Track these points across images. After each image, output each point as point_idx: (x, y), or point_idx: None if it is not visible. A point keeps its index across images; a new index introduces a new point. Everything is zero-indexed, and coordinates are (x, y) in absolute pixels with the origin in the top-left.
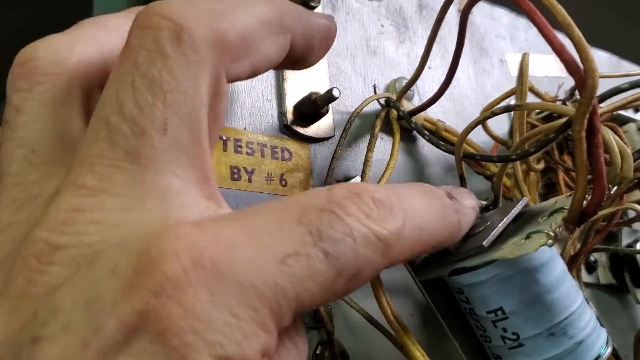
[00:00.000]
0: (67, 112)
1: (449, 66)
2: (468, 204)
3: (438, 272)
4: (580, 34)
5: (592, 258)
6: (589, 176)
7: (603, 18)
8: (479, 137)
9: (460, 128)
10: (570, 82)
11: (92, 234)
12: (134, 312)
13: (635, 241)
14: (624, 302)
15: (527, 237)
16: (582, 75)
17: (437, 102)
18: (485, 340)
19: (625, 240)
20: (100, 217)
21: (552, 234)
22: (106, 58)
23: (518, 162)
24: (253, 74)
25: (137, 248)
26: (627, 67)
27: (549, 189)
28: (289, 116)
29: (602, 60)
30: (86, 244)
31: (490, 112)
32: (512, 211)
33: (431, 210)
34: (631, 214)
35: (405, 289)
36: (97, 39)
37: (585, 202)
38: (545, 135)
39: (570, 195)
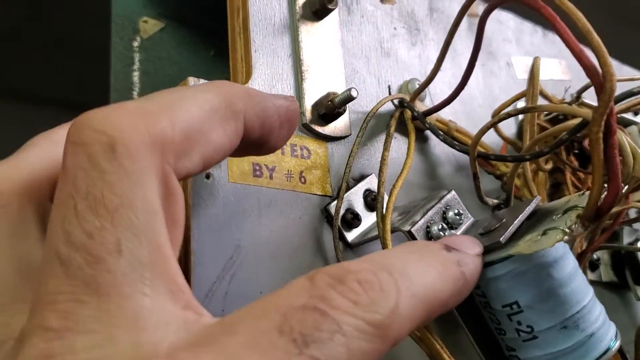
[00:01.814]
0: (25, 242)
1: (464, 68)
2: (472, 251)
3: None
4: (599, 40)
5: (594, 256)
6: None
7: (601, 24)
8: (487, 137)
9: (469, 129)
10: (576, 85)
11: None
12: None
13: (636, 240)
14: (625, 299)
15: (544, 233)
16: (601, 79)
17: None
18: (499, 332)
19: (626, 239)
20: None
21: (567, 230)
22: (55, 172)
23: (528, 163)
24: (206, 165)
25: None
26: (628, 71)
27: (555, 189)
28: (308, 115)
29: None
30: None
31: (505, 113)
32: (527, 209)
33: (429, 272)
34: (631, 213)
35: None
36: (43, 154)
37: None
38: (554, 137)
39: (582, 194)
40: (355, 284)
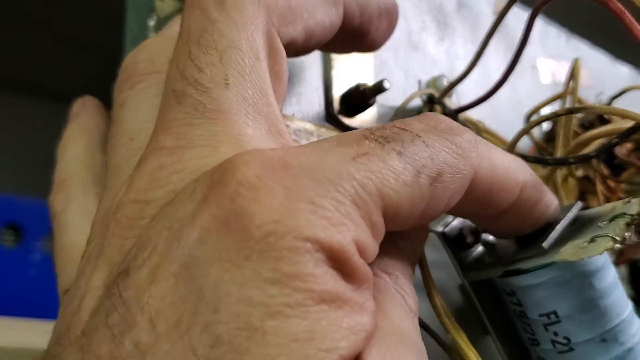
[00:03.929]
0: None
1: (491, 66)
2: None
3: (490, 272)
4: None
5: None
6: None
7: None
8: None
9: (494, 130)
10: (609, 90)
11: (176, 182)
12: (214, 218)
13: None
14: None
15: (592, 240)
16: None
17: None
18: (532, 343)
19: None
20: (180, 167)
21: (617, 238)
22: None
23: (558, 168)
24: (309, 37)
25: (212, 171)
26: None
27: (580, 198)
28: (336, 106)
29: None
30: (171, 191)
31: (552, 113)
32: (568, 215)
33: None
34: None
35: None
36: None
37: None
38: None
39: (629, 202)
40: (436, 117)
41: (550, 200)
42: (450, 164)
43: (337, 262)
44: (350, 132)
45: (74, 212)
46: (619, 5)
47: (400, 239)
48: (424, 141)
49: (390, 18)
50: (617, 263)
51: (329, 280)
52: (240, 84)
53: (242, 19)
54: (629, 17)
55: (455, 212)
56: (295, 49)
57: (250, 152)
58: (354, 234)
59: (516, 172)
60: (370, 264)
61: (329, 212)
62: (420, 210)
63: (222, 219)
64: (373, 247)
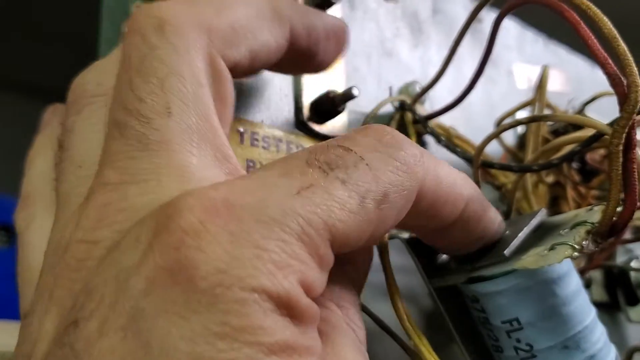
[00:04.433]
0: None
1: (465, 72)
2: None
3: (454, 279)
4: (626, 48)
5: (586, 275)
6: None
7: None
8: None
9: (467, 137)
10: (580, 97)
11: (122, 221)
12: (159, 268)
13: (630, 259)
14: (615, 319)
15: (551, 248)
16: (625, 89)
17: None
18: (496, 350)
19: (619, 258)
20: (124, 205)
21: (576, 246)
22: None
23: (528, 174)
24: (254, 59)
25: (156, 215)
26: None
27: (553, 204)
28: (305, 112)
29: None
30: (117, 231)
31: (516, 121)
32: (532, 222)
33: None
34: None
35: (406, 296)
36: None
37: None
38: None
39: (591, 209)
40: (383, 131)
41: (494, 217)
42: (395, 182)
43: (286, 308)
44: (294, 156)
45: (36, 231)
46: (574, 15)
47: (346, 263)
48: (367, 164)
49: (338, 39)
50: (587, 269)
51: (278, 329)
52: (183, 111)
53: (183, 44)
54: (583, 27)
55: (401, 226)
56: (241, 71)
57: (192, 194)
58: (300, 274)
59: (461, 187)
60: (321, 295)
61: (275, 255)
62: (369, 233)
63: (168, 270)
64: (321, 281)
